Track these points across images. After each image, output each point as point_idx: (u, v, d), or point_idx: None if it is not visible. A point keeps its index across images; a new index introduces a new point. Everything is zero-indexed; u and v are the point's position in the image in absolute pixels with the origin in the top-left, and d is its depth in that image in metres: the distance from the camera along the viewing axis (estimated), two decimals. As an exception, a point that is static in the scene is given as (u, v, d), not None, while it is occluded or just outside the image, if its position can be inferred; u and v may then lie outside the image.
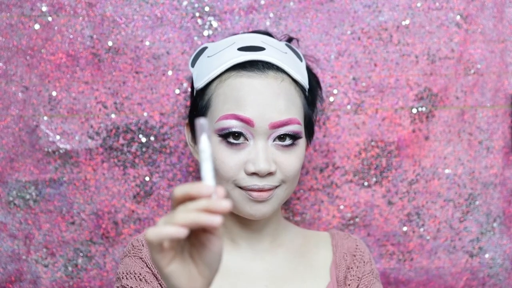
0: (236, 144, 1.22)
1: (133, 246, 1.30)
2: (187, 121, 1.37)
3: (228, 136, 1.21)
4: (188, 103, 1.59)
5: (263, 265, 1.33)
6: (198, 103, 1.29)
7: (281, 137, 1.23)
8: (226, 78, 1.25)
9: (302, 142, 1.26)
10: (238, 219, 1.32)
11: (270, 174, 1.22)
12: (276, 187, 1.24)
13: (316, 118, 1.39)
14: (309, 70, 1.39)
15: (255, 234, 1.33)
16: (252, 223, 1.31)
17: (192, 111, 1.33)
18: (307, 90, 1.33)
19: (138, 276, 1.24)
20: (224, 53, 1.27)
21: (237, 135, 1.21)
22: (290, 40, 1.43)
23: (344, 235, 1.41)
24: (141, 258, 1.27)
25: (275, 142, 1.23)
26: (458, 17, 1.62)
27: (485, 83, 1.64)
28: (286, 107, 1.23)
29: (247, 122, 1.21)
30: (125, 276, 1.25)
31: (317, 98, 1.41)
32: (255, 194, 1.22)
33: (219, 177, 1.23)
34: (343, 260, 1.35)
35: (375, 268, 1.38)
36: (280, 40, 1.38)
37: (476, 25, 1.63)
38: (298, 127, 1.24)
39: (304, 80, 1.30)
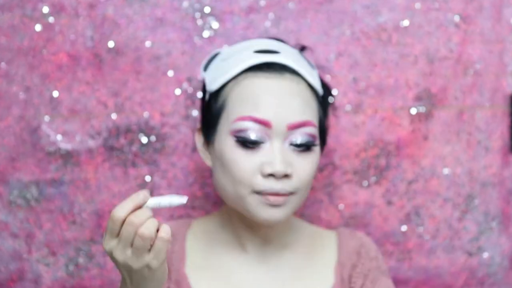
0: (252, 146, 1.20)
1: None
2: (198, 126, 1.35)
3: (246, 138, 1.19)
4: (194, 107, 1.60)
5: (268, 269, 1.32)
6: (212, 105, 1.27)
7: (298, 145, 1.21)
8: (242, 79, 1.24)
9: (316, 148, 1.25)
10: (248, 225, 1.31)
11: (286, 176, 1.20)
12: (291, 193, 1.22)
13: (328, 128, 1.38)
14: (321, 79, 1.38)
15: (263, 238, 1.32)
16: (262, 228, 1.30)
17: (205, 114, 1.31)
18: (321, 96, 1.32)
19: None
20: (240, 55, 1.26)
21: (254, 137, 1.20)
22: (302, 49, 1.42)
23: (350, 233, 1.40)
24: None
25: (292, 145, 1.21)
26: (457, 17, 1.63)
27: (483, 83, 1.64)
28: (303, 108, 1.22)
29: (264, 123, 1.19)
30: None
31: (329, 108, 1.40)
32: (272, 198, 1.20)
33: (236, 181, 1.21)
34: (348, 259, 1.34)
35: (382, 264, 1.37)
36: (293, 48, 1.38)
37: (474, 25, 1.63)
38: (314, 130, 1.23)
39: (318, 87, 1.30)
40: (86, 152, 1.59)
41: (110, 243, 1.02)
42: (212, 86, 1.28)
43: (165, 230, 1.01)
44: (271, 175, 1.19)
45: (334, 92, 1.62)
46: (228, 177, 1.22)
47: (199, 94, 1.60)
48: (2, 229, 1.59)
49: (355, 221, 1.63)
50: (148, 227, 1.00)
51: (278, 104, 1.20)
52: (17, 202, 1.59)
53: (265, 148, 1.20)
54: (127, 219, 1.00)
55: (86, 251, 1.61)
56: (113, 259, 1.04)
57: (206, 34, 1.59)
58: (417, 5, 1.62)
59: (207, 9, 1.59)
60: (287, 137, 1.21)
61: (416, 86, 1.63)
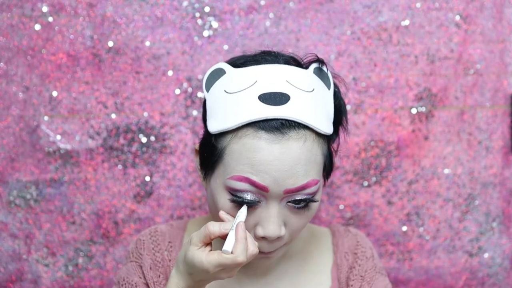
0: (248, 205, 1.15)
1: (137, 248, 1.29)
2: (196, 146, 1.26)
3: (241, 199, 1.14)
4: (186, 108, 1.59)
5: (262, 274, 1.30)
6: (210, 145, 1.19)
7: (296, 201, 1.16)
8: (242, 135, 1.14)
9: (317, 197, 1.18)
10: None
11: (278, 238, 1.17)
12: (280, 246, 1.20)
13: (336, 149, 1.28)
14: (337, 96, 1.24)
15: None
16: None
17: (204, 147, 1.22)
18: (331, 133, 1.21)
19: (134, 286, 1.24)
20: (243, 98, 1.14)
21: (254, 199, 1.14)
22: (320, 62, 1.22)
23: (345, 231, 1.36)
24: (140, 266, 1.26)
25: (288, 204, 1.16)
26: (458, 17, 1.62)
27: (484, 83, 1.64)
28: (305, 171, 1.14)
29: (261, 188, 1.12)
30: (124, 284, 1.25)
31: (342, 126, 1.27)
32: (260, 255, 1.19)
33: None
34: (345, 260, 1.32)
35: (378, 262, 1.34)
36: (306, 65, 1.22)
37: (475, 25, 1.63)
38: (315, 188, 1.16)
39: (328, 124, 1.18)
40: (86, 152, 1.59)
41: (200, 247, 1.13)
42: (211, 125, 1.18)
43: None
44: (264, 237, 1.16)
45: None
46: (220, 220, 1.19)
47: (199, 94, 1.59)
48: (2, 230, 1.59)
49: (355, 221, 1.63)
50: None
51: (278, 171, 1.12)
52: (17, 203, 1.59)
53: (261, 207, 1.15)
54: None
55: (86, 251, 1.60)
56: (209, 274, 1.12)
57: (206, 33, 1.59)
58: (418, 5, 1.61)
59: (207, 9, 1.59)
60: (283, 198, 1.15)
61: (417, 86, 1.63)
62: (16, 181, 1.59)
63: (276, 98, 1.14)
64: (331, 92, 1.21)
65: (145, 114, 1.59)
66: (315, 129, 1.15)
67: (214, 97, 1.19)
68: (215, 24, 1.59)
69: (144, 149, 1.60)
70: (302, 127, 1.14)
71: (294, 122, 1.13)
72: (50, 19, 1.57)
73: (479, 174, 1.65)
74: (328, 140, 1.21)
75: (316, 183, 1.15)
